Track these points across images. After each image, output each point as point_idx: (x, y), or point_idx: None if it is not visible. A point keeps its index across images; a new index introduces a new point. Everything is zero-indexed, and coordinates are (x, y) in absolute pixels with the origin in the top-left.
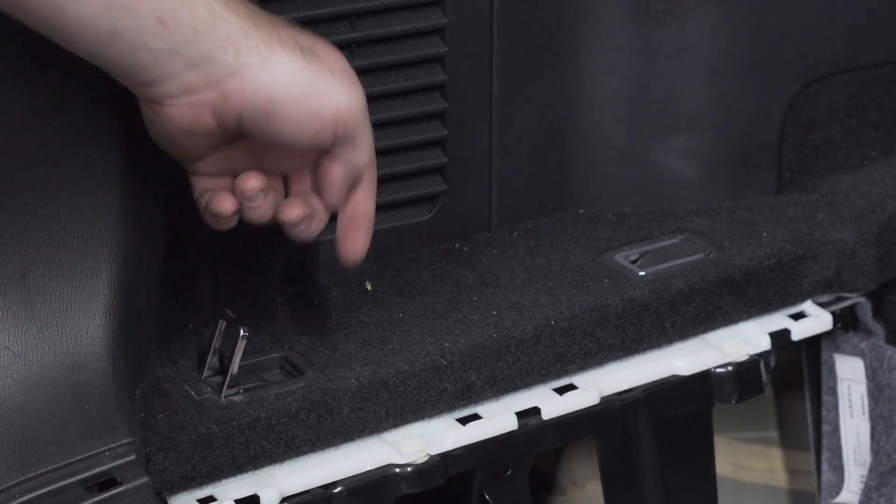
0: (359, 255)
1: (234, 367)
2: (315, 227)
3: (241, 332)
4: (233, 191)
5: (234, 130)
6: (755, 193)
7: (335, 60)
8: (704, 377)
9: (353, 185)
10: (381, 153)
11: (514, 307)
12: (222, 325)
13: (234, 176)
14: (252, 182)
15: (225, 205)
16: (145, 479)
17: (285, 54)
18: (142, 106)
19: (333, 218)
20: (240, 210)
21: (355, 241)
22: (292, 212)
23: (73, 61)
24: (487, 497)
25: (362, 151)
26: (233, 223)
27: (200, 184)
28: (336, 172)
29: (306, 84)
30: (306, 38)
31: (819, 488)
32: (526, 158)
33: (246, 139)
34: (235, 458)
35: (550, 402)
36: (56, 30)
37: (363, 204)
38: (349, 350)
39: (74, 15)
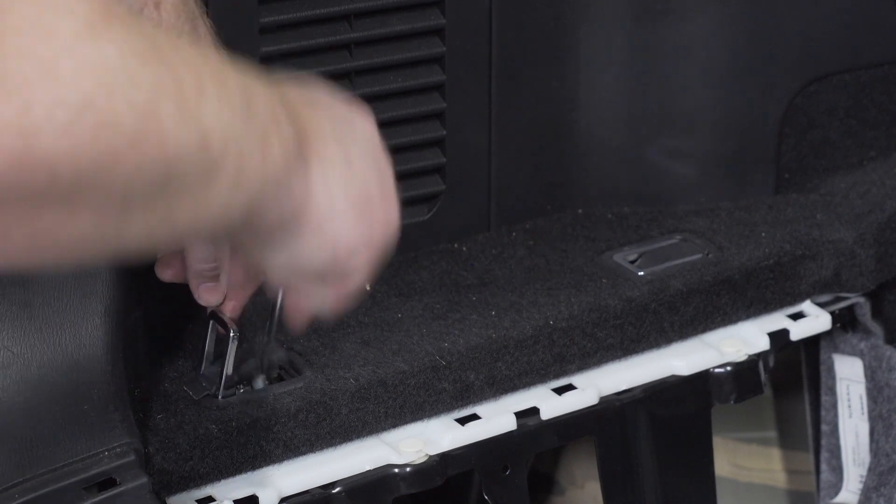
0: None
1: (228, 368)
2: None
3: (231, 334)
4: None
5: None
6: (754, 193)
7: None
8: (703, 377)
9: None
10: None
11: (513, 307)
12: (214, 326)
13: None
14: (211, 297)
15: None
16: (144, 479)
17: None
18: None
19: None
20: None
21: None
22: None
23: None
24: (486, 497)
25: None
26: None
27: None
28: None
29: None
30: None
31: (818, 488)
32: (525, 158)
33: None
34: (234, 458)
35: (549, 403)
36: None
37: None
38: (348, 350)
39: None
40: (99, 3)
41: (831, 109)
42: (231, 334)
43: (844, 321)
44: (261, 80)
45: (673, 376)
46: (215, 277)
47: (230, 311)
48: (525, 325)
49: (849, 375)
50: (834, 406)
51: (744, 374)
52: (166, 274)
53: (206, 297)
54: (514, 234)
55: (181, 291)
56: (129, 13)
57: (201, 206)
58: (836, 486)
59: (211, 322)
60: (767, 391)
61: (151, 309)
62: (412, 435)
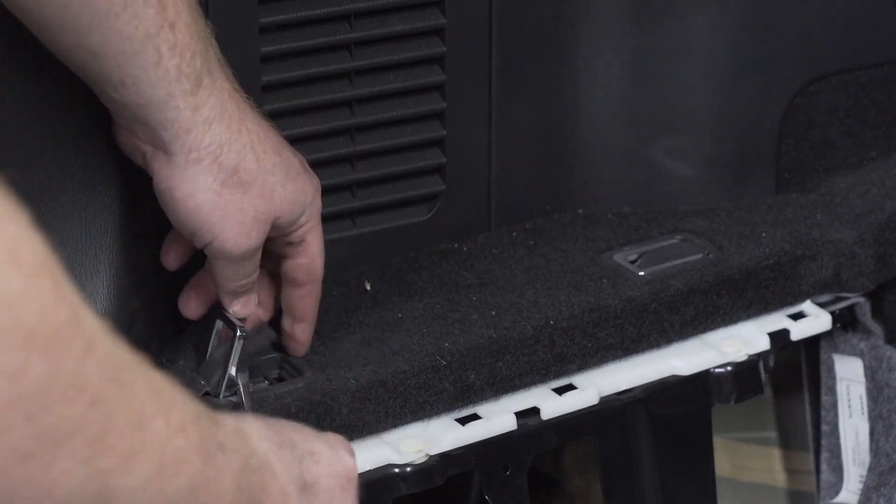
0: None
1: (232, 368)
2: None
3: (238, 333)
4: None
5: None
6: (754, 193)
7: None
8: (703, 377)
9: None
10: (380, 153)
11: (513, 307)
12: (219, 324)
13: None
14: (246, 309)
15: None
16: None
17: None
18: None
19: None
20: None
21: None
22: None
23: None
24: (486, 497)
25: None
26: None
27: None
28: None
29: None
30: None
31: (818, 488)
32: (525, 158)
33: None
34: None
35: (550, 402)
36: None
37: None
38: (348, 350)
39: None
40: (62, 316)
41: (831, 109)
42: (237, 333)
43: (844, 321)
44: (235, 459)
45: (673, 376)
46: (248, 290)
47: (241, 308)
48: (525, 325)
49: (849, 375)
50: (834, 406)
51: (744, 374)
52: (191, 308)
53: (242, 310)
54: (514, 234)
55: (181, 289)
56: (103, 328)
57: None
58: (837, 486)
59: (216, 320)
60: (767, 391)
61: (151, 307)
62: (412, 435)
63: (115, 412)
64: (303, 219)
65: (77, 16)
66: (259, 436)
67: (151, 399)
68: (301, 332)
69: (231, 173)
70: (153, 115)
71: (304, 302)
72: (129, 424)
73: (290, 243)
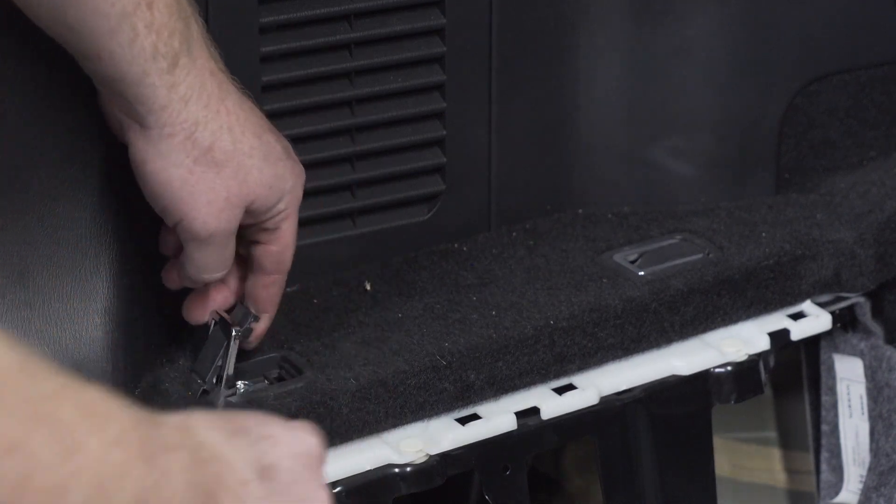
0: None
1: (230, 368)
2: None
3: (233, 333)
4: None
5: None
6: (754, 193)
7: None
8: (703, 377)
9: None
10: (380, 153)
11: (514, 307)
12: (216, 324)
13: None
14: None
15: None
16: None
17: None
18: None
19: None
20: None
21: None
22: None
23: (74, 62)
24: (487, 497)
25: None
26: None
27: None
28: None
29: None
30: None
31: (818, 488)
32: (525, 158)
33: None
34: None
35: (550, 402)
36: None
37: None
38: (348, 350)
39: None
40: None
41: (831, 109)
42: (233, 333)
43: (844, 321)
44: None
45: (673, 376)
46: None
47: (223, 302)
48: (525, 324)
49: (849, 375)
50: (834, 406)
51: (744, 374)
52: (172, 280)
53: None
54: (514, 234)
55: (181, 290)
56: (17, 365)
57: None
58: (837, 486)
59: (213, 321)
60: (767, 391)
61: (152, 306)
62: (412, 435)
63: (38, 450)
64: (280, 205)
65: None
66: (207, 427)
67: (82, 420)
68: (259, 322)
69: (205, 151)
70: (129, 89)
71: (269, 291)
72: (58, 456)
73: (265, 230)
